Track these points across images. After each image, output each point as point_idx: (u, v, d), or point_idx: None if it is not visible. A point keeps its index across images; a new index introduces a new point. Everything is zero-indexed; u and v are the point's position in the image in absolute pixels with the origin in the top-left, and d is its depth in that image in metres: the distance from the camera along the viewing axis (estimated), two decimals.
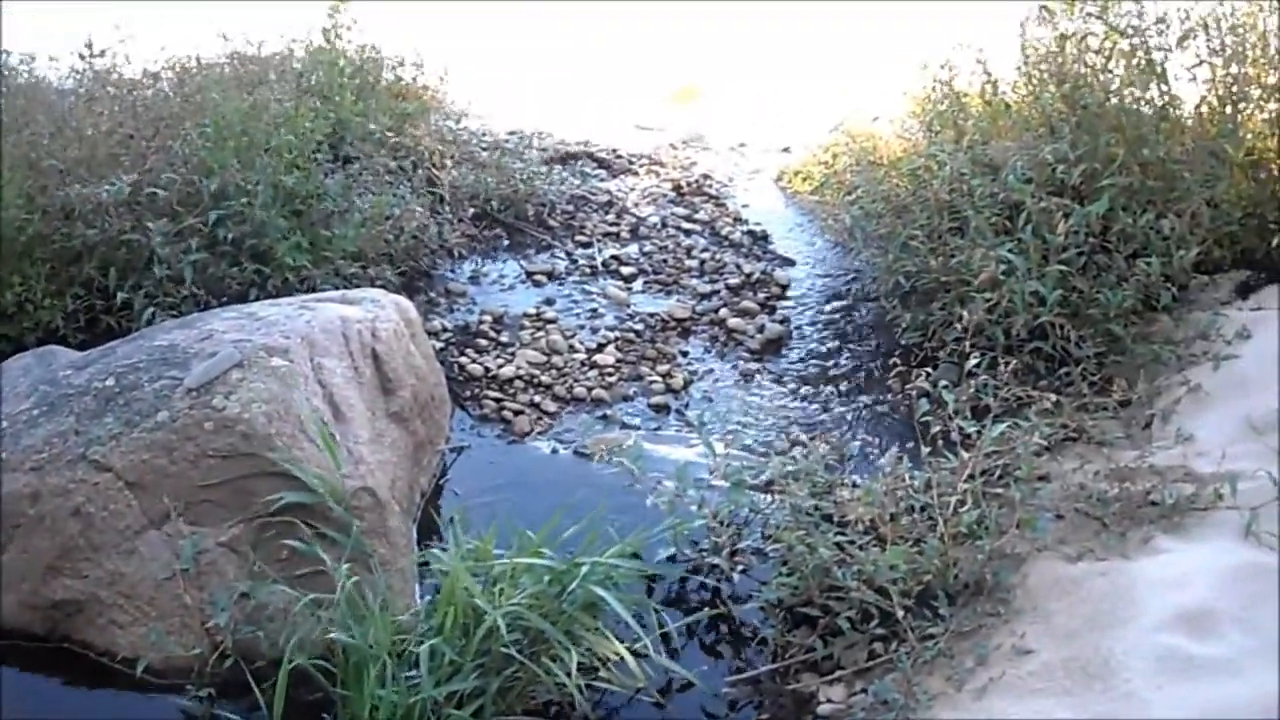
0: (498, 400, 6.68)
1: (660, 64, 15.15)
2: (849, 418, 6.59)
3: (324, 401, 5.06)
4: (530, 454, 6.27)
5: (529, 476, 6.02)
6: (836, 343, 7.51)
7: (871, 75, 10.99)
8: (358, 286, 6.88)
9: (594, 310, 7.87)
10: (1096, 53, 7.07)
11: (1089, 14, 7.12)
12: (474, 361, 7.03)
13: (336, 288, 6.77)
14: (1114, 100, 6.83)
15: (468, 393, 6.74)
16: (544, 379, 6.94)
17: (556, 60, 15.56)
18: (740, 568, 5.07)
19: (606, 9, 17.82)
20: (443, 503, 5.80)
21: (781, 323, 7.79)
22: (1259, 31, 6.92)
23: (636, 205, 9.86)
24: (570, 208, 9.52)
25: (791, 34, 16.57)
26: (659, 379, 7.06)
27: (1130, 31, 6.93)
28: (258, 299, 6.44)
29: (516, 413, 6.58)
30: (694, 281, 8.44)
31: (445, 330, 7.31)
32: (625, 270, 8.54)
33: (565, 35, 16.96)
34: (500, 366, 7.00)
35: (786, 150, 12.08)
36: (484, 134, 10.89)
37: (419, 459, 5.69)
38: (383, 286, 7.01)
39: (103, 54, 7.60)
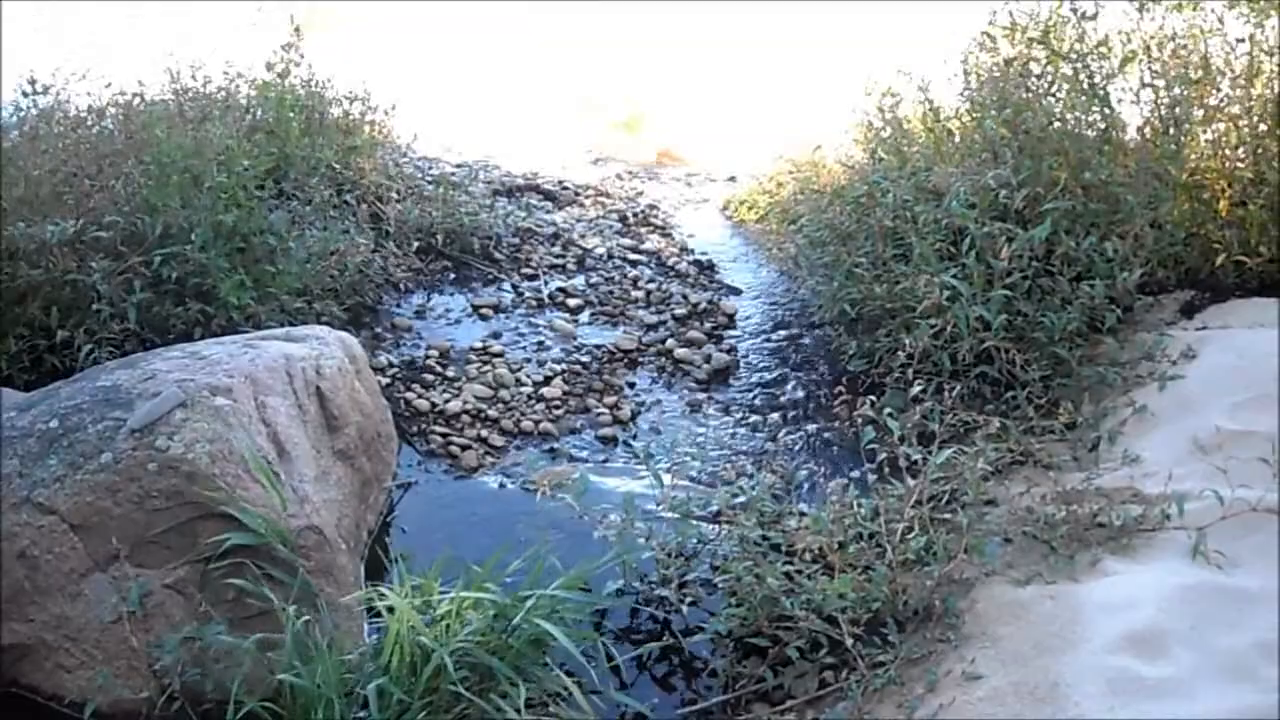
0: (444, 435, 6.65)
1: (607, 93, 15.18)
2: (796, 446, 6.61)
3: (268, 440, 5.02)
4: (478, 489, 6.23)
5: (477, 512, 5.99)
6: (783, 371, 7.53)
7: (817, 101, 11.02)
8: (303, 323, 6.85)
9: (540, 343, 7.87)
10: (1039, 77, 7.12)
11: (1031, 39, 7.17)
12: (420, 397, 6.99)
13: (281, 324, 6.74)
14: (1056, 124, 6.88)
15: (414, 428, 6.71)
16: (491, 413, 6.92)
17: (503, 92, 15.57)
18: (689, 599, 5.05)
19: (554, 39, 17.89)
20: (390, 540, 5.77)
21: (728, 352, 7.81)
22: (1200, 53, 6.98)
23: (583, 237, 9.87)
24: (516, 240, 9.51)
25: (738, 61, 16.64)
26: (606, 411, 7.06)
27: (1072, 56, 6.98)
28: (202, 337, 6.39)
29: (464, 447, 6.55)
30: (640, 312, 8.46)
31: (391, 365, 7.27)
32: (571, 302, 8.55)
33: (514, 66, 17.00)
34: (447, 401, 6.97)
35: (732, 179, 12.16)
36: (430, 167, 10.91)
37: (365, 496, 5.66)
38: (328, 322, 6.99)
39: (46, 91, 7.55)
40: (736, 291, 8.98)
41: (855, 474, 5.52)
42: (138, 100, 7.95)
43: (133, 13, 13.57)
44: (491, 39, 17.98)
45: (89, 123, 7.66)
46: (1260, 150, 6.75)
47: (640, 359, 7.79)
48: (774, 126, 12.01)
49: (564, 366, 7.54)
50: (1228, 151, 6.87)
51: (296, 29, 9.03)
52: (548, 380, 7.37)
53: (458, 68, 16.39)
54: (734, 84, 15.64)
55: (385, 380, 6.99)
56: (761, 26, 17.30)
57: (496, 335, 7.92)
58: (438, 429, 6.72)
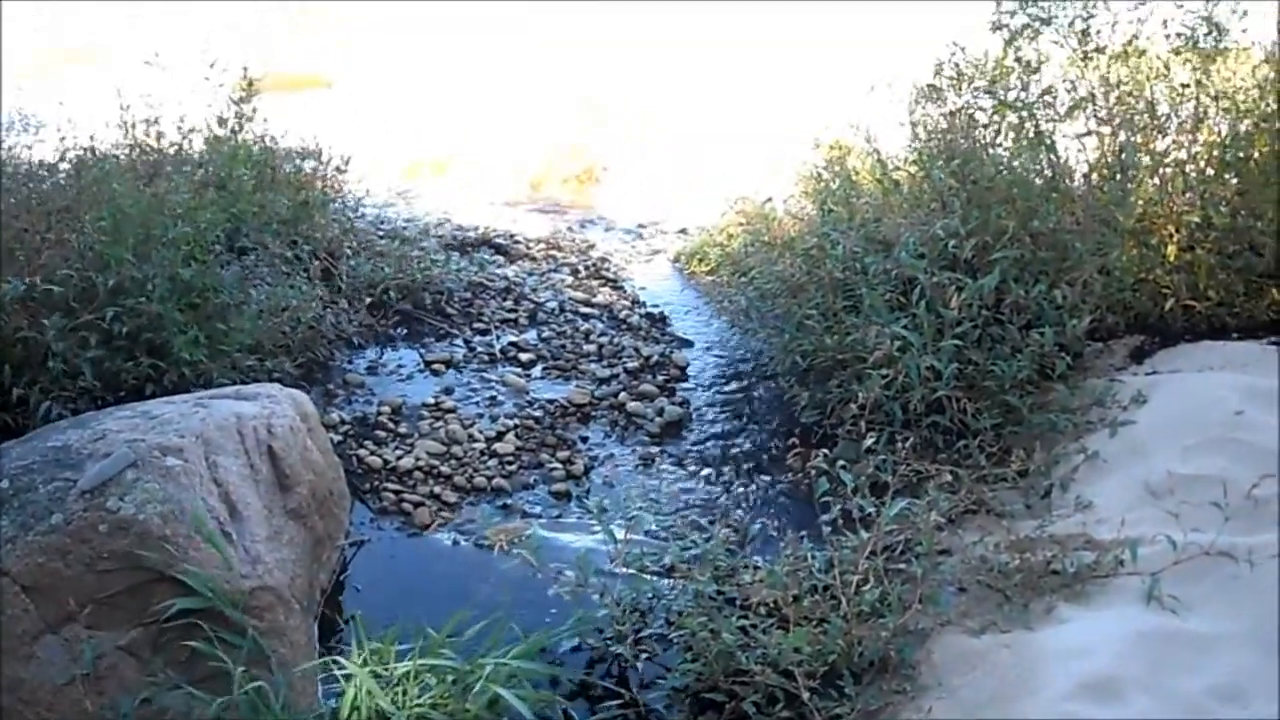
0: (397, 492, 6.62)
1: (559, 146, 15.16)
2: (750, 499, 6.61)
3: (220, 500, 5.00)
4: (431, 546, 6.19)
5: (430, 570, 5.96)
6: (736, 423, 7.55)
7: (768, 150, 11.07)
8: (255, 379, 6.83)
9: (493, 398, 7.85)
10: (985, 127, 7.18)
11: (977, 89, 7.23)
12: (373, 453, 6.96)
13: (233, 381, 6.71)
14: (1004, 173, 6.93)
15: (367, 485, 6.67)
16: (444, 469, 6.89)
17: (453, 141, 15.60)
18: (645, 655, 5.04)
19: (505, 86, 17.95)
20: (344, 599, 5.73)
21: (681, 405, 7.82)
22: (1146, 99, 7.06)
23: (534, 291, 9.87)
24: (468, 295, 9.50)
25: (687, 111, 16.76)
26: (559, 466, 7.05)
27: (1018, 105, 7.05)
28: (154, 394, 6.36)
29: (416, 505, 6.51)
30: (593, 366, 8.46)
31: (343, 422, 7.23)
32: (524, 357, 8.54)
33: (460, 113, 17.06)
34: (399, 458, 6.94)
35: (684, 231, 12.18)
36: (382, 222, 10.90)
37: (318, 555, 5.62)
38: (280, 379, 6.97)
39: None
40: (688, 344, 9.00)
41: (809, 526, 5.52)
42: (90, 155, 7.92)
43: (133, 13, 13.55)
44: (472, 39, 18.07)
45: (41, 176, 7.62)
46: (1207, 195, 6.84)
47: (593, 413, 7.78)
48: (727, 176, 12.07)
49: (517, 421, 7.51)
50: (1175, 197, 6.94)
51: (249, 83, 9.01)
52: (500, 436, 7.35)
53: (418, 126, 16.37)
54: (687, 133, 15.77)
55: (337, 437, 6.94)
56: (733, 26, 17.47)
57: (449, 391, 7.90)
58: (390, 486, 6.68)
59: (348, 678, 4.29)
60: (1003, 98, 7.18)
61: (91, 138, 8.05)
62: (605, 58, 17.51)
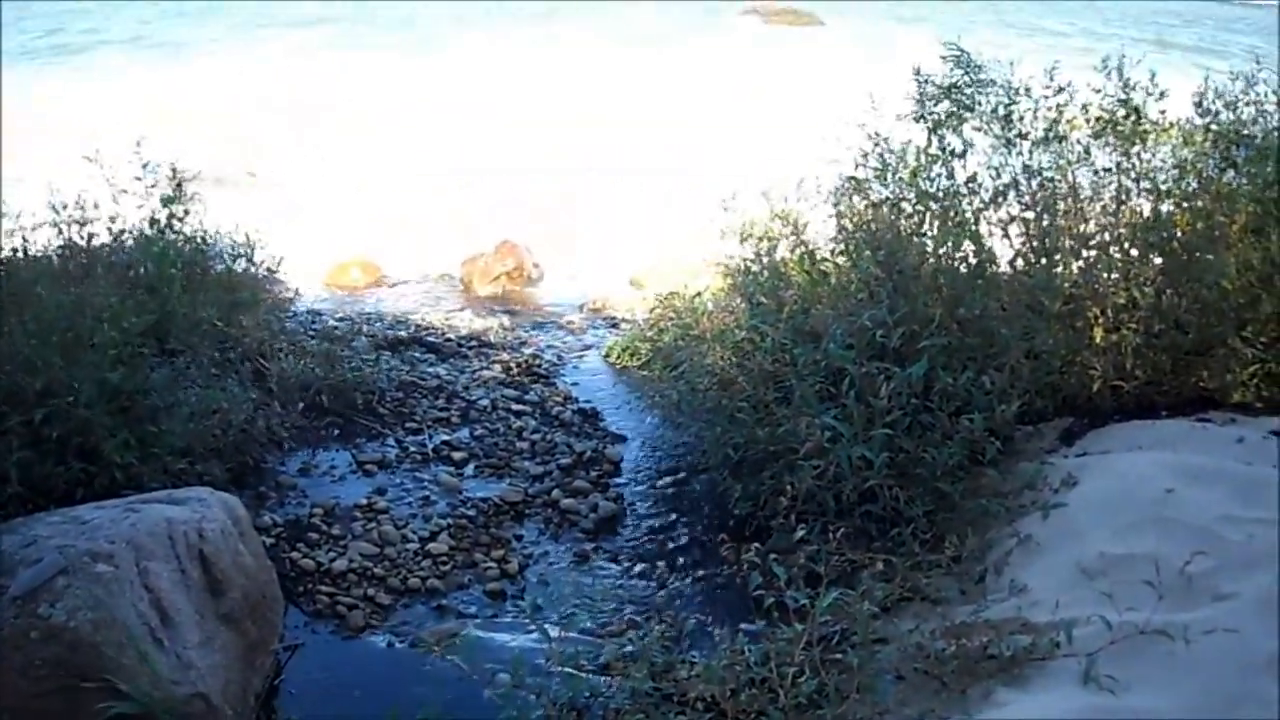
0: (331, 595, 6.55)
1: (487, 242, 15.18)
2: (685, 593, 6.61)
3: (150, 606, 4.96)
4: (366, 649, 6.15)
5: (365, 673, 5.91)
6: (670, 517, 7.55)
7: (695, 242, 11.13)
8: (186, 483, 6.76)
9: (426, 498, 7.82)
10: (909, 218, 7.26)
11: (900, 179, 7.32)
12: (305, 556, 6.89)
13: (164, 485, 6.65)
14: (930, 262, 7.00)
15: (300, 588, 6.60)
16: (377, 571, 6.84)
17: (385, 236, 15.64)
18: None
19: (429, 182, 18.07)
20: (278, 704, 5.66)
21: (614, 500, 7.82)
22: (1068, 184, 7.17)
23: (466, 389, 9.85)
24: (400, 394, 9.47)
25: (618, 200, 16.95)
26: (494, 565, 7.02)
27: (942, 195, 7.13)
28: (84, 498, 6.29)
29: (350, 607, 6.45)
30: (526, 464, 8.45)
31: (275, 525, 7.16)
32: (456, 455, 8.51)
33: (394, 205, 17.18)
34: (332, 560, 6.88)
35: (615, 326, 12.18)
36: (313, 321, 10.87)
37: (251, 660, 5.57)
38: (211, 482, 6.90)
39: None
40: (621, 439, 9.00)
41: (745, 620, 5.51)
42: (21, 256, 7.89)
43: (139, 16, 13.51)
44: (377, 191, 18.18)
45: None
46: (1131, 275, 6.94)
47: (527, 511, 7.76)
48: (655, 270, 12.16)
49: (450, 521, 7.48)
50: (1100, 279, 7.04)
51: (179, 184, 8.99)
52: (434, 536, 7.31)
53: (350, 226, 16.39)
54: (618, 225, 15.96)
55: (270, 540, 6.87)
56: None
57: (381, 491, 7.86)
58: (324, 589, 6.62)
59: None
60: (926, 188, 7.27)
61: (24, 239, 8.02)
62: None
